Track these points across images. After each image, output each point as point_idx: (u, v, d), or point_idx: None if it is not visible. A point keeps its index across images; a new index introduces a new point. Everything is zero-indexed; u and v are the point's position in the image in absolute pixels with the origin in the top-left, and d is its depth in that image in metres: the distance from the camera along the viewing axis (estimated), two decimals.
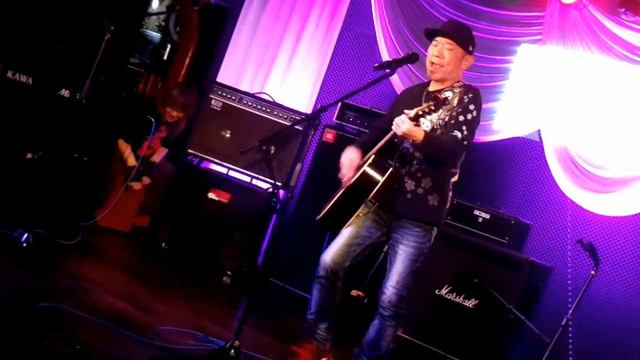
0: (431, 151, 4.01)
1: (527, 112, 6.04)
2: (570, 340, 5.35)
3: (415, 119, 3.81)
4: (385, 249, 4.66)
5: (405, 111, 3.85)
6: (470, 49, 4.17)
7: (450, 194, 4.28)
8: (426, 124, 4.01)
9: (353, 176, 4.11)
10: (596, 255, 5.07)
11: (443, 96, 3.94)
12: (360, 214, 4.20)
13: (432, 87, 4.20)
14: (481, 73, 6.13)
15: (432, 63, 4.12)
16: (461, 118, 3.97)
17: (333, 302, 4.32)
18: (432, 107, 3.82)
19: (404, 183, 4.10)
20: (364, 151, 4.24)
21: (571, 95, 5.84)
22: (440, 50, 4.10)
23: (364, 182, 4.01)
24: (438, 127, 4.01)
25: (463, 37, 4.15)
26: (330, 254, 4.23)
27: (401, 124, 3.82)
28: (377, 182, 3.99)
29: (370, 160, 4.04)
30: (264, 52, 7.31)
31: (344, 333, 4.79)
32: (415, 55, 4.13)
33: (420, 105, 3.94)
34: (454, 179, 4.32)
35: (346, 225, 4.19)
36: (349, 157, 4.20)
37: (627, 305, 5.59)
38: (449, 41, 4.10)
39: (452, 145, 3.98)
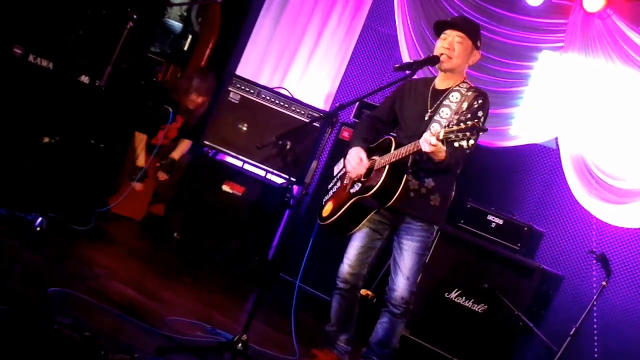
0: (445, 167, 4.01)
1: (545, 119, 6.00)
2: (595, 350, 5.32)
3: (442, 142, 3.72)
4: None
5: (433, 131, 3.81)
6: (478, 44, 4.19)
7: (453, 193, 4.27)
8: (436, 127, 4.01)
9: (364, 178, 4.12)
10: (608, 266, 5.04)
11: (451, 98, 4.04)
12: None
13: (439, 83, 4.20)
14: (501, 78, 6.10)
15: (442, 55, 4.12)
16: (469, 123, 3.94)
17: (353, 312, 4.37)
18: (461, 135, 3.67)
19: (409, 182, 4.10)
20: (368, 146, 4.24)
21: (590, 104, 5.79)
22: (450, 43, 4.12)
23: (383, 192, 4.00)
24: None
25: (472, 32, 4.17)
26: (347, 266, 4.28)
27: (430, 145, 3.71)
28: (395, 191, 3.98)
29: (387, 170, 4.01)
30: (284, 47, 7.31)
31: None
32: (436, 57, 4.13)
33: (427, 102, 4.11)
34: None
35: (354, 230, 4.22)
36: (358, 155, 4.17)
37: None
38: (460, 34, 4.12)
39: (460, 158, 4.01)
